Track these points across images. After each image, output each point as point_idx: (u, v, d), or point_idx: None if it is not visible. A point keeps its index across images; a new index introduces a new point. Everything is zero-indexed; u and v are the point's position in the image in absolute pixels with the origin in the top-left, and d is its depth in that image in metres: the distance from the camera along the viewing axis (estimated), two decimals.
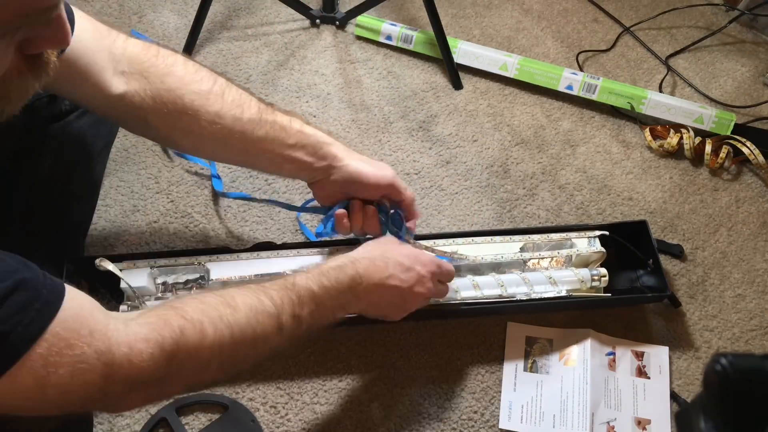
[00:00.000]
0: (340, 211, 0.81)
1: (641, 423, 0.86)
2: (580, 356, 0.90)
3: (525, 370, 0.90)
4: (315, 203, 0.87)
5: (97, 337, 0.52)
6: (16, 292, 0.47)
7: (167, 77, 0.72)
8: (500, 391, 0.88)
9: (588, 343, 0.90)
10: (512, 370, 0.90)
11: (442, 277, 0.81)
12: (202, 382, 0.63)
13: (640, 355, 0.91)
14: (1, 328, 0.46)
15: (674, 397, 0.89)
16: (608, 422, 0.86)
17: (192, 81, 0.73)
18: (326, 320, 0.71)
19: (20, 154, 0.80)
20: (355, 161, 0.80)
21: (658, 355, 0.92)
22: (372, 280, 0.73)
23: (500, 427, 0.86)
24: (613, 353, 0.92)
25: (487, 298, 0.89)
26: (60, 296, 0.51)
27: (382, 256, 0.75)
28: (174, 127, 0.74)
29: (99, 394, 0.53)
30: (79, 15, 0.68)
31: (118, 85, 0.71)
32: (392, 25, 1.27)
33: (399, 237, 0.83)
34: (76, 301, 0.52)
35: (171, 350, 0.56)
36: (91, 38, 0.69)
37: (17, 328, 0.47)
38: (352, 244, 0.87)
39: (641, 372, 0.90)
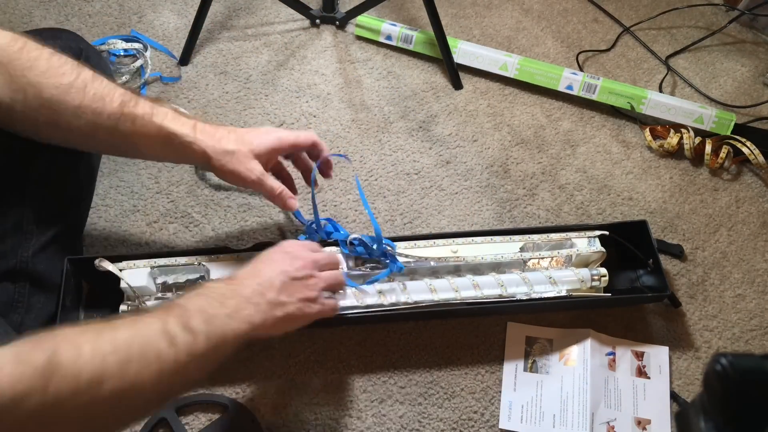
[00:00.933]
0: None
1: (641, 423, 0.86)
2: (580, 356, 0.90)
3: (525, 370, 0.90)
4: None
5: None
6: None
7: (29, 71, 0.71)
8: (500, 391, 0.88)
9: (588, 343, 0.90)
10: (512, 370, 0.90)
11: (328, 266, 0.79)
12: (103, 413, 0.54)
13: (640, 355, 0.91)
14: None
15: (674, 397, 0.89)
16: (608, 422, 0.86)
17: (54, 75, 0.72)
18: (228, 333, 0.65)
19: (14, 152, 0.80)
20: (224, 142, 0.78)
21: (658, 355, 0.92)
22: (254, 278, 0.71)
23: (500, 427, 0.86)
24: (613, 353, 0.92)
25: (487, 298, 0.89)
26: None
27: (257, 260, 0.74)
28: (37, 121, 0.73)
29: None
30: None
31: None
32: (392, 25, 1.27)
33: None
34: None
35: (43, 370, 0.49)
36: None
37: None
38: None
39: (641, 372, 0.90)
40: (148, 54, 1.21)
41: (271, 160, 0.82)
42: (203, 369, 0.63)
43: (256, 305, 0.69)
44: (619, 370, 0.90)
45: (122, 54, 1.21)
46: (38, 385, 0.49)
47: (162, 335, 0.59)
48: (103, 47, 1.20)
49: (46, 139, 0.78)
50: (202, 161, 0.79)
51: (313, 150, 0.86)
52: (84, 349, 0.53)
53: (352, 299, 0.88)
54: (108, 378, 0.53)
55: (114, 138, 0.76)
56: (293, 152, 0.87)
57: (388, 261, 0.89)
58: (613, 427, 0.86)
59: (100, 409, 0.54)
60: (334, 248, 0.90)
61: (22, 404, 0.48)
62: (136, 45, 1.21)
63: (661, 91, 1.26)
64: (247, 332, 0.67)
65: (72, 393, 0.51)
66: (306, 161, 0.89)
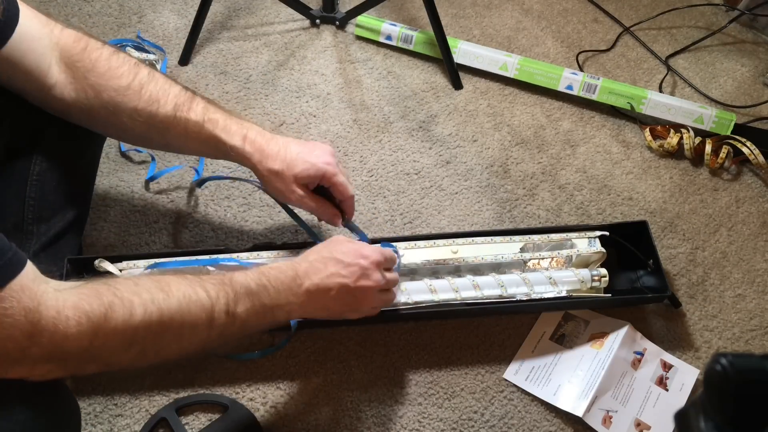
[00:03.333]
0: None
1: (640, 425, 0.86)
2: (609, 344, 0.90)
3: (550, 338, 0.92)
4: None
5: (28, 295, 0.53)
6: None
7: (90, 73, 0.75)
8: (501, 391, 0.88)
9: (621, 335, 0.91)
10: (538, 335, 0.92)
11: (388, 265, 0.79)
12: (121, 362, 0.63)
13: (667, 367, 0.91)
14: None
15: None
16: (608, 411, 0.86)
17: (113, 77, 0.75)
18: (264, 320, 0.70)
19: (12, 151, 0.80)
20: (270, 161, 0.80)
21: (686, 373, 0.91)
22: (312, 280, 0.72)
23: (504, 376, 0.89)
24: (642, 354, 0.92)
25: (487, 298, 0.89)
26: (22, 264, 0.54)
27: (320, 258, 0.74)
28: (96, 119, 0.78)
29: (19, 353, 0.54)
30: (20, 1, 0.71)
31: (50, 75, 0.74)
32: (392, 25, 1.27)
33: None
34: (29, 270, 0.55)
35: (97, 322, 0.56)
36: (32, 26, 0.72)
37: None
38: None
39: (662, 382, 0.90)
40: (161, 65, 1.20)
41: (312, 184, 0.82)
42: (229, 342, 0.74)
43: (302, 306, 0.72)
44: (641, 371, 0.90)
45: None
46: (87, 334, 0.56)
47: (206, 316, 0.63)
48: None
49: (104, 134, 0.86)
50: (250, 168, 0.82)
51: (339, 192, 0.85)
52: (136, 311, 0.59)
53: None
54: (143, 346, 0.61)
55: (166, 139, 0.80)
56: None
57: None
58: (611, 417, 0.86)
59: (123, 361, 0.62)
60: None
61: (66, 344, 0.55)
62: (151, 56, 1.21)
63: (661, 91, 1.26)
64: (285, 320, 0.74)
65: (111, 349, 0.59)
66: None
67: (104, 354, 0.59)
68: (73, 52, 0.74)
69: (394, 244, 0.90)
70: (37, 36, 0.72)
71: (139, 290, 0.60)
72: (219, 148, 0.80)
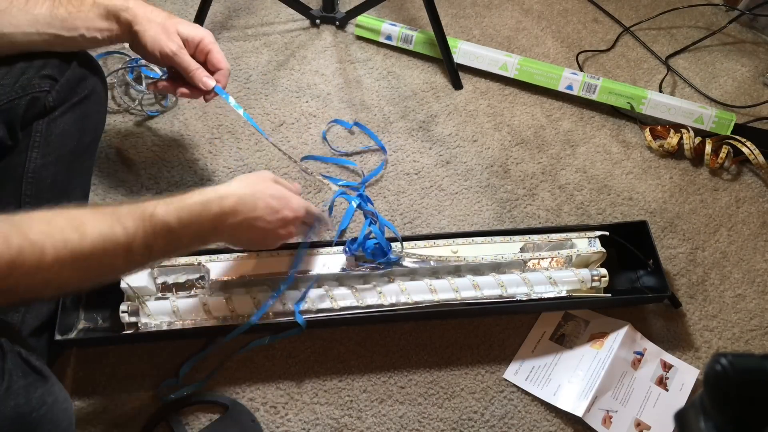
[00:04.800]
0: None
1: (640, 425, 0.86)
2: (609, 344, 0.91)
3: (551, 338, 0.92)
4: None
5: None
6: None
7: None
8: (501, 391, 0.88)
9: (621, 335, 0.91)
10: (539, 335, 0.92)
11: (308, 219, 0.81)
12: (42, 297, 0.65)
13: (667, 367, 0.91)
14: None
15: None
16: (608, 411, 0.86)
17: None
18: (180, 251, 0.71)
19: (6, 151, 0.80)
20: (152, 29, 0.80)
21: (685, 373, 0.91)
22: (237, 217, 0.71)
23: (504, 376, 0.89)
24: (642, 354, 0.92)
25: (487, 298, 0.89)
26: None
27: (252, 195, 0.73)
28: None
29: None
30: None
31: None
32: (392, 25, 1.27)
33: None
34: None
35: (6, 268, 0.55)
36: None
37: None
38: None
39: (661, 382, 0.90)
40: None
41: (190, 47, 0.83)
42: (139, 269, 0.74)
43: (219, 238, 0.72)
44: (641, 371, 0.90)
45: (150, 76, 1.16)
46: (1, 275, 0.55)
47: (123, 253, 0.62)
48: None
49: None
50: (126, 29, 0.80)
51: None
52: (46, 256, 0.57)
53: (351, 299, 0.88)
54: (59, 284, 0.60)
55: (62, 41, 0.79)
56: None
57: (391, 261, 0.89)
58: (611, 417, 0.86)
59: (45, 297, 0.65)
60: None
61: None
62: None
63: (661, 91, 1.26)
64: (200, 248, 0.72)
65: (26, 289, 0.58)
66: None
67: (21, 292, 0.58)
68: None
69: (393, 244, 0.90)
70: None
71: (51, 231, 0.58)
72: (104, 17, 0.79)
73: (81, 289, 0.67)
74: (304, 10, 1.29)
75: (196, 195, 0.69)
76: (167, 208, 0.66)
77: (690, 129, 1.16)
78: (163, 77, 0.89)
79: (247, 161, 1.09)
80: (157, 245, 0.65)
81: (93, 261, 0.60)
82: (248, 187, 0.74)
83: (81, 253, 0.59)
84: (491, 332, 0.93)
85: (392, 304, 0.88)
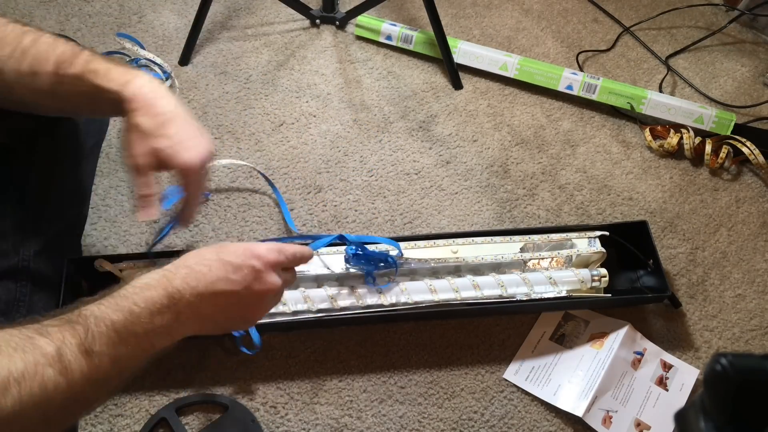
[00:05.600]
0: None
1: (640, 425, 0.86)
2: (609, 344, 0.91)
3: (550, 338, 0.92)
4: None
5: None
6: None
7: None
8: (501, 391, 0.88)
9: (621, 335, 0.91)
10: (539, 335, 0.92)
11: (289, 263, 0.67)
12: None
13: (667, 367, 0.91)
14: None
15: None
16: (608, 411, 0.86)
17: None
18: (146, 352, 0.56)
19: (9, 154, 0.80)
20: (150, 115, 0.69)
21: (685, 373, 0.91)
22: (194, 291, 0.58)
23: (504, 376, 0.89)
24: (642, 354, 0.92)
25: (487, 298, 0.89)
26: None
27: (202, 261, 0.61)
28: None
29: None
30: None
31: None
32: (392, 25, 1.27)
33: None
34: None
35: None
36: None
37: None
38: None
39: (662, 382, 0.90)
40: (170, 83, 1.20)
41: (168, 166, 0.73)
42: (109, 390, 0.56)
43: (184, 324, 0.59)
44: (641, 371, 0.90)
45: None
46: None
47: (54, 364, 0.49)
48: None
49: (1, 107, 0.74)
50: (119, 107, 0.70)
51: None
52: None
53: (351, 299, 0.88)
54: None
55: (55, 101, 0.72)
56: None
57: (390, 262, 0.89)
58: (611, 417, 0.86)
59: None
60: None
61: None
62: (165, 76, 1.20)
63: (661, 91, 1.26)
64: (170, 344, 0.59)
65: None
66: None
67: None
68: None
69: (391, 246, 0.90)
70: None
71: None
72: (100, 98, 0.70)
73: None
74: (304, 10, 1.29)
75: (135, 282, 0.58)
76: (99, 303, 0.54)
77: (690, 129, 1.16)
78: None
79: (246, 160, 1.09)
80: (100, 347, 0.52)
81: (12, 385, 0.46)
82: (195, 256, 0.62)
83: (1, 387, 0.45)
84: (491, 332, 0.93)
85: (392, 304, 0.88)
